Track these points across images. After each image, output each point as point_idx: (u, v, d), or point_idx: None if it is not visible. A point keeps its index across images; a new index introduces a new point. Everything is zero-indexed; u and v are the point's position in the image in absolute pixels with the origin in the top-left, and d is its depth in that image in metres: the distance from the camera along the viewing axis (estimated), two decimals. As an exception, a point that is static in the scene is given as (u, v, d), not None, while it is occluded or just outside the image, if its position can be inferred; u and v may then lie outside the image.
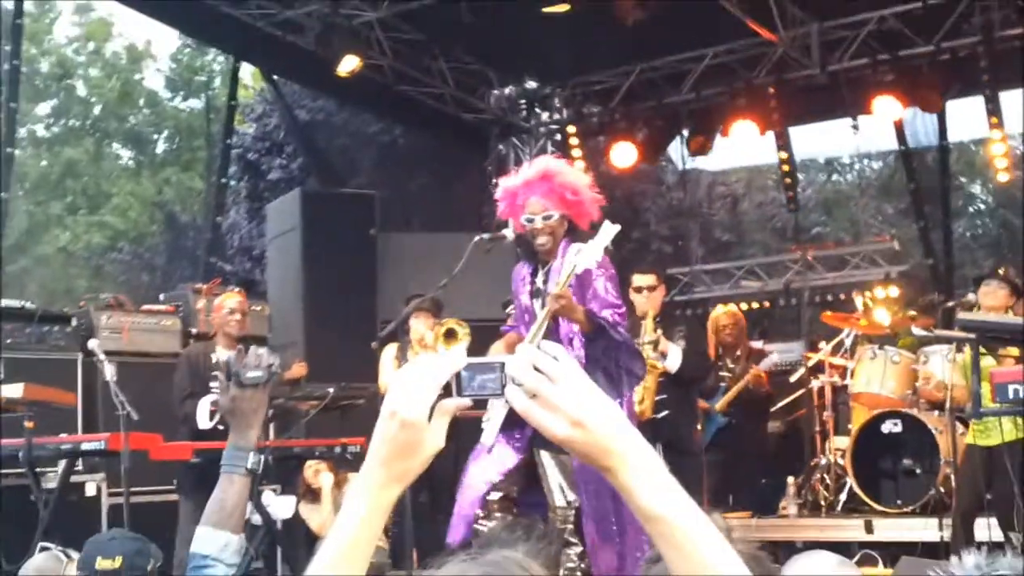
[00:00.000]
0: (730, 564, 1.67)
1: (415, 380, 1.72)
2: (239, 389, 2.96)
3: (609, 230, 5.88)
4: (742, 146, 13.86)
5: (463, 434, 6.39)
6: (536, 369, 1.66)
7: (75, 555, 4.76)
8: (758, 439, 10.44)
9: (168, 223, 20.02)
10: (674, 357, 7.82)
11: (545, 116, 13.70)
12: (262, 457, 3.03)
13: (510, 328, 6.83)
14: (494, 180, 13.35)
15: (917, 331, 9.33)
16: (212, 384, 7.77)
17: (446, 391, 1.73)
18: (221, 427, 7.56)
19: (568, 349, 5.93)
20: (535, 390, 1.65)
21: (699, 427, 9.00)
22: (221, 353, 7.94)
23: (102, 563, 4.08)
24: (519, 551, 1.76)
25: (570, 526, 6.09)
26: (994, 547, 6.99)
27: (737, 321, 10.22)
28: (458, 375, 1.73)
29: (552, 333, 6.05)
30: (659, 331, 7.82)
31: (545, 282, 6.24)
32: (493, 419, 6.06)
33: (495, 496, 6.13)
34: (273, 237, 12.42)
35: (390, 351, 8.70)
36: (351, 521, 1.74)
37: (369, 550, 1.75)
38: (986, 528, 7.38)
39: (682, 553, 1.66)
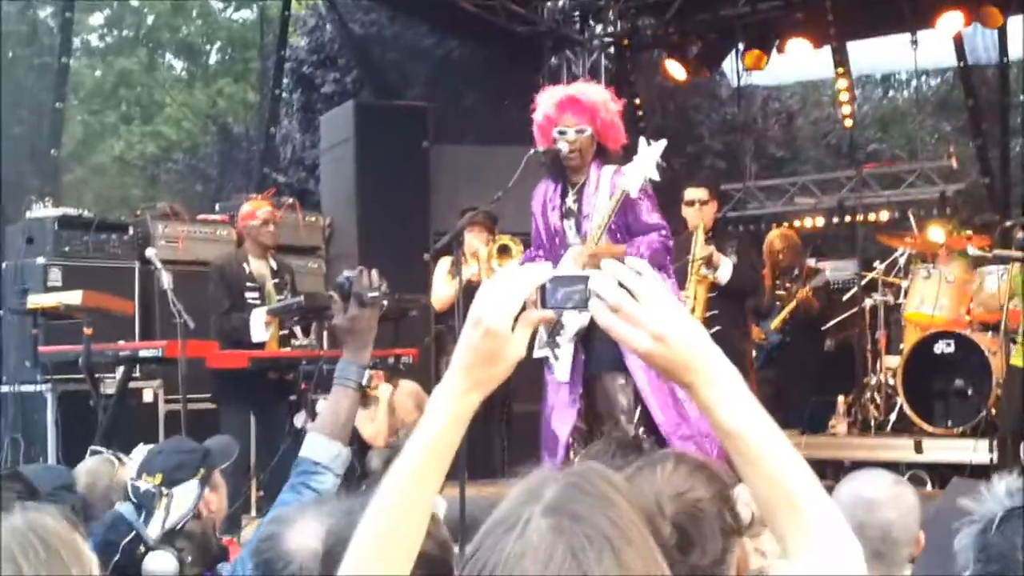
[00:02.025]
0: (806, 483, 1.69)
1: (501, 290, 1.74)
2: (359, 309, 3.09)
3: (656, 147, 5.85)
4: (798, 61, 13.68)
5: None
6: (620, 284, 1.68)
7: (127, 458, 4.84)
8: (811, 357, 10.43)
9: (221, 134, 20.03)
10: (725, 269, 7.80)
11: (599, 29, 13.56)
12: (371, 373, 3.17)
13: (530, 256, 6.77)
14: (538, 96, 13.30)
15: (973, 251, 9.26)
16: (247, 295, 7.82)
17: (530, 302, 1.75)
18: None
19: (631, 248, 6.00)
20: (618, 305, 1.69)
21: (751, 343, 9.00)
22: (255, 264, 7.95)
23: (144, 480, 4.15)
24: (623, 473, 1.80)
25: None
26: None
27: (791, 244, 10.16)
28: (543, 287, 1.77)
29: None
30: (712, 245, 7.80)
31: (576, 202, 6.25)
32: (563, 358, 6.16)
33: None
34: (327, 148, 12.44)
35: (444, 264, 8.73)
36: (434, 426, 1.76)
37: (450, 455, 1.77)
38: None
39: (758, 470, 1.69)
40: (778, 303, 9.91)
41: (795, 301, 9.79)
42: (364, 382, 3.12)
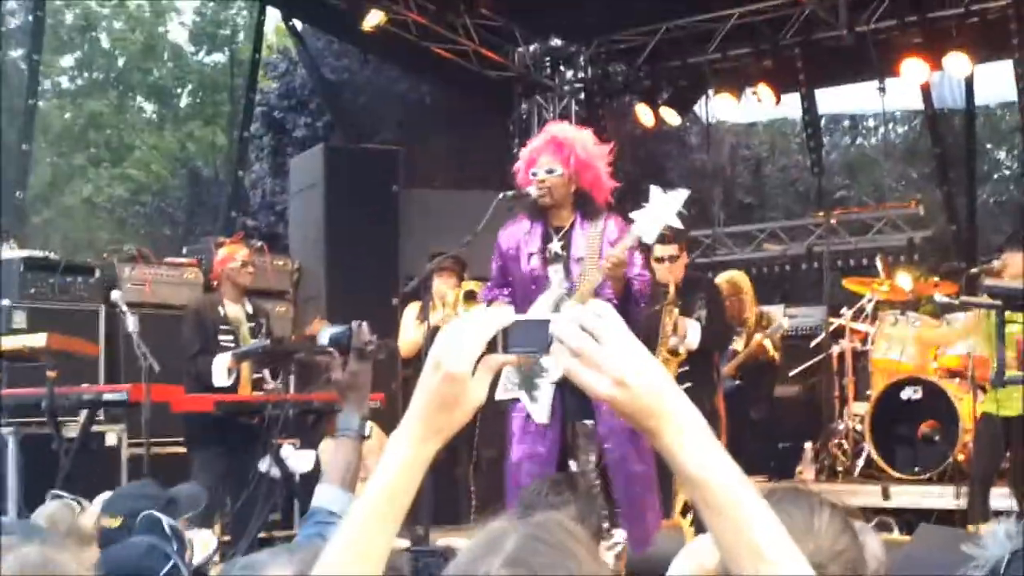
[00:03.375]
0: (772, 532, 1.65)
1: (461, 334, 1.71)
2: (359, 363, 3.21)
3: (678, 196, 5.82)
4: (767, 106, 13.78)
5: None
6: (582, 328, 1.65)
7: (87, 504, 4.79)
8: (765, 403, 10.39)
9: (190, 177, 20.03)
10: (693, 335, 7.76)
11: (570, 74, 13.63)
12: (368, 424, 3.24)
13: (492, 294, 6.62)
14: (517, 139, 13.40)
15: (940, 298, 9.30)
16: (221, 339, 7.75)
17: (491, 346, 1.72)
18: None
19: None
20: (579, 349, 1.65)
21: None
22: (231, 308, 7.90)
23: (106, 520, 4.13)
24: (566, 512, 1.77)
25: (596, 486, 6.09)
26: (1016, 516, 7.02)
27: (737, 290, 10.09)
28: (504, 331, 1.73)
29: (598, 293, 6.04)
30: (675, 310, 7.73)
31: (565, 248, 6.20)
32: (542, 400, 6.12)
33: None
34: (296, 192, 12.42)
35: (412, 309, 8.72)
36: (390, 472, 1.73)
37: (406, 501, 1.74)
38: (1004, 498, 7.38)
39: (722, 517, 1.64)
40: (732, 348, 9.91)
41: (747, 351, 9.78)
42: (366, 433, 3.20)
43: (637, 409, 1.64)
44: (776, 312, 10.62)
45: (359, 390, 3.23)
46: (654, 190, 5.83)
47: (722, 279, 10.30)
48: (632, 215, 5.86)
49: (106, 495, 4.67)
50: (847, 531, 2.11)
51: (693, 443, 1.65)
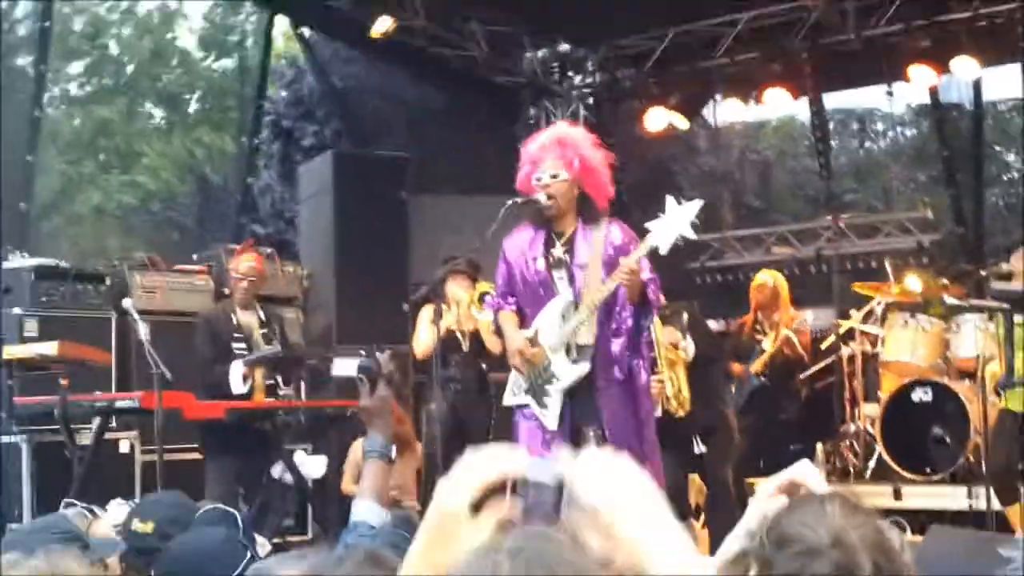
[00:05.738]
0: None
1: (465, 472, 1.70)
2: (387, 390, 3.41)
3: (692, 207, 5.85)
4: (775, 109, 13.81)
5: (500, 393, 6.50)
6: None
7: (100, 512, 4.83)
8: (791, 401, 10.40)
9: (199, 184, 20.03)
10: (690, 345, 7.86)
11: (578, 79, 13.64)
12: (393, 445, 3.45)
13: (497, 303, 6.56)
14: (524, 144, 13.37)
15: (950, 300, 9.30)
16: (235, 347, 7.78)
17: (500, 489, 1.69)
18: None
19: (619, 316, 5.99)
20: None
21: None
22: (243, 315, 7.93)
23: (137, 524, 4.16)
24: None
25: None
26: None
27: (774, 282, 10.15)
28: (514, 482, 1.68)
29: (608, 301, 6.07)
30: (668, 326, 7.84)
31: (568, 252, 6.19)
32: (552, 407, 6.13)
33: None
34: (305, 198, 12.45)
35: (426, 312, 8.73)
36: None
37: None
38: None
39: None
40: (757, 346, 9.92)
41: (774, 347, 9.79)
42: (392, 455, 3.40)
43: None
44: (805, 314, 10.61)
45: (385, 415, 3.41)
46: (670, 200, 5.85)
47: (763, 271, 10.34)
48: (648, 225, 5.88)
49: (119, 501, 4.70)
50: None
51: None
